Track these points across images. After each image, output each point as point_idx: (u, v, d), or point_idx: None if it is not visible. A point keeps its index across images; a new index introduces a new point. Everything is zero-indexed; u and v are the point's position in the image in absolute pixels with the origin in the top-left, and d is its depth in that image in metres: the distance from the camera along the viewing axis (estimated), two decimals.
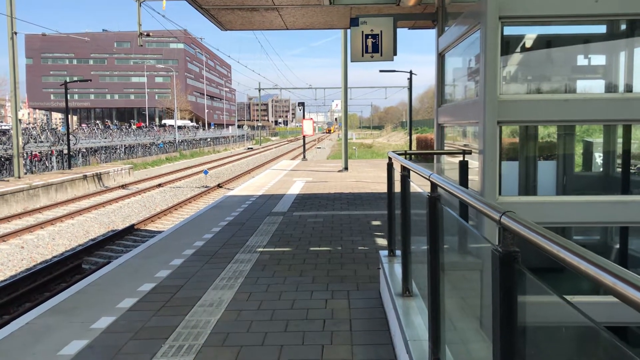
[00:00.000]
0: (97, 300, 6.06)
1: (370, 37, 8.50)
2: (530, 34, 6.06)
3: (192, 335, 5.00)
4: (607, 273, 1.12)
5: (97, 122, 67.86)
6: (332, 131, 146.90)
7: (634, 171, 6.40)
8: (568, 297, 1.59)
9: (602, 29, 6.00)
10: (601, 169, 6.76)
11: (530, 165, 6.49)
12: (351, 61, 8.91)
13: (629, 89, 5.67)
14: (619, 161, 6.28)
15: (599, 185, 6.67)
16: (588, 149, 7.05)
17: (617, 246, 6.17)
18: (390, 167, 5.79)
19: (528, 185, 6.42)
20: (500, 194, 5.36)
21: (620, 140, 6.18)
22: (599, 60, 6.20)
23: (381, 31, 8.50)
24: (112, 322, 5.37)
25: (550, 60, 6.17)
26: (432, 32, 8.36)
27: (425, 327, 3.78)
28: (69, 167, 29.54)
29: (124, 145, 42.51)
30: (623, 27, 5.79)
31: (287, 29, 11.88)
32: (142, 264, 7.59)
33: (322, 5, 9.47)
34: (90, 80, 40.49)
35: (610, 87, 6.01)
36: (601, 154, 6.71)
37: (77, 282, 7.83)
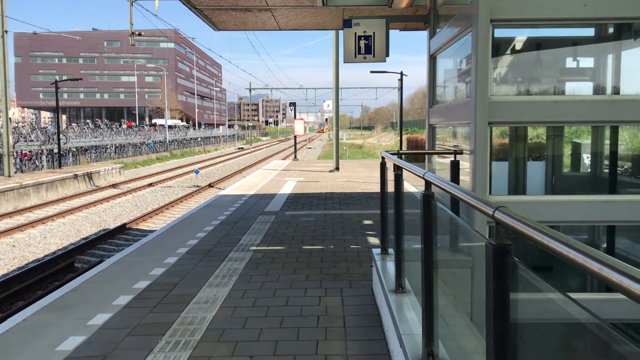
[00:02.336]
0: (92, 298, 6.11)
1: (363, 38, 8.60)
2: (520, 36, 6.18)
3: (188, 331, 5.07)
4: (600, 263, 1.21)
5: (87, 121, 67.51)
6: (324, 131, 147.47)
7: (621, 171, 6.54)
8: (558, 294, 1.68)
9: (590, 32, 6.13)
10: (589, 170, 6.90)
11: (520, 165, 6.61)
12: (344, 62, 9.00)
13: (616, 91, 5.80)
14: (606, 162, 6.41)
15: (587, 185, 6.80)
16: (576, 150, 7.18)
17: (605, 245, 6.30)
18: (383, 166, 5.88)
19: (518, 185, 6.55)
20: (490, 193, 5.48)
21: (607, 141, 6.32)
22: (587, 62, 6.33)
23: (374, 32, 8.60)
24: (109, 318, 5.43)
25: (540, 62, 6.29)
26: (423, 34, 8.47)
27: (418, 322, 3.88)
28: (60, 166, 29.43)
29: (115, 145, 42.37)
30: (611, 30, 5.92)
31: (280, 29, 11.96)
32: (136, 262, 7.64)
33: (315, 7, 9.56)
34: (81, 79, 40.25)
35: (598, 89, 6.14)
36: (589, 155, 6.84)
37: (71, 280, 7.87)
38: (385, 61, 8.79)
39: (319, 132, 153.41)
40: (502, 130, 6.73)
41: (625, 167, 6.80)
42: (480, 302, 2.16)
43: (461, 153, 5.95)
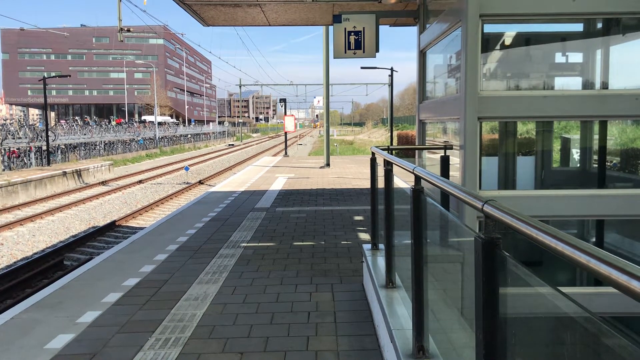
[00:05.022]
0: (82, 295, 6.07)
1: (352, 33, 8.59)
2: (509, 31, 6.19)
3: (178, 328, 5.05)
4: (588, 255, 1.21)
5: (76, 118, 66.96)
6: (317, 127, 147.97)
7: (609, 166, 6.58)
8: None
9: (579, 27, 6.15)
10: (578, 164, 6.93)
11: (510, 160, 6.63)
12: (334, 57, 8.98)
13: (604, 86, 5.83)
14: (595, 156, 6.44)
15: (576, 179, 6.84)
16: (566, 145, 7.21)
17: (594, 239, 6.34)
18: (373, 162, 5.88)
19: (507, 180, 6.57)
20: (480, 188, 5.49)
21: (596, 136, 6.35)
22: (576, 57, 6.36)
23: (364, 28, 8.59)
24: (98, 316, 5.39)
25: (529, 58, 6.31)
26: (413, 30, 8.47)
27: (408, 317, 3.88)
28: (48, 164, 29.21)
29: (104, 142, 42.13)
30: (599, 25, 5.94)
31: (270, 25, 11.90)
32: (126, 259, 7.60)
33: (304, 2, 9.52)
34: (70, 76, 39.95)
35: (587, 84, 6.16)
36: (578, 150, 6.88)
37: (60, 278, 7.82)
38: (375, 57, 8.78)
39: (314, 127, 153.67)
40: (491, 126, 6.74)
41: (614, 161, 6.84)
42: (470, 296, 2.16)
43: (451, 148, 5.96)
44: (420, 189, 3.23)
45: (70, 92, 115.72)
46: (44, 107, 30.86)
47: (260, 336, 4.86)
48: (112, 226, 15.75)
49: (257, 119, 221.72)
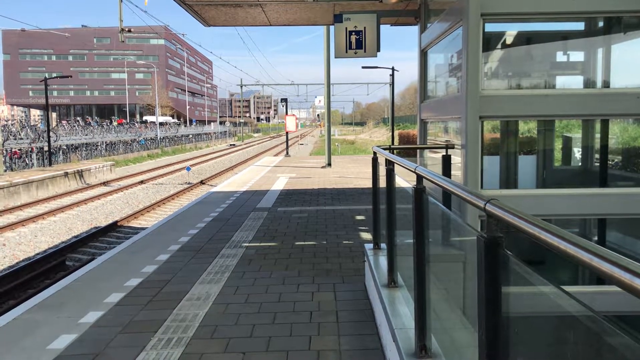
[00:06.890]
0: (84, 296, 6.07)
1: (354, 33, 8.59)
2: (510, 30, 6.19)
3: (180, 328, 5.05)
4: (590, 254, 1.21)
5: (78, 118, 67.00)
6: (321, 126, 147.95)
7: (611, 165, 6.57)
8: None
9: (580, 26, 6.14)
10: (580, 163, 6.92)
11: (511, 159, 6.63)
12: (335, 57, 8.98)
13: (606, 84, 5.82)
14: (597, 155, 6.44)
15: (578, 178, 6.83)
16: (567, 144, 7.20)
17: (596, 238, 6.33)
18: (375, 161, 5.88)
19: (509, 179, 6.56)
20: (482, 187, 5.49)
21: (598, 134, 6.34)
22: (577, 56, 6.35)
23: (365, 27, 8.59)
24: (100, 316, 5.40)
25: (531, 57, 6.30)
26: (414, 29, 8.47)
27: (411, 316, 3.88)
28: (50, 164, 29.24)
29: (105, 142, 42.16)
30: (600, 24, 5.94)
31: (271, 25, 11.90)
32: (128, 260, 7.60)
33: (305, 2, 9.52)
34: (71, 76, 39.98)
35: (589, 83, 6.16)
36: (580, 149, 6.87)
37: (62, 278, 7.82)
38: (376, 56, 8.79)
39: (318, 126, 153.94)
40: (493, 125, 6.74)
41: (616, 160, 6.83)
42: (472, 295, 2.16)
43: (452, 148, 5.96)
44: (422, 188, 3.23)
45: (72, 93, 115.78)
46: (46, 108, 30.89)
47: (263, 336, 4.87)
48: (114, 226, 15.77)
49: (258, 119, 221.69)
